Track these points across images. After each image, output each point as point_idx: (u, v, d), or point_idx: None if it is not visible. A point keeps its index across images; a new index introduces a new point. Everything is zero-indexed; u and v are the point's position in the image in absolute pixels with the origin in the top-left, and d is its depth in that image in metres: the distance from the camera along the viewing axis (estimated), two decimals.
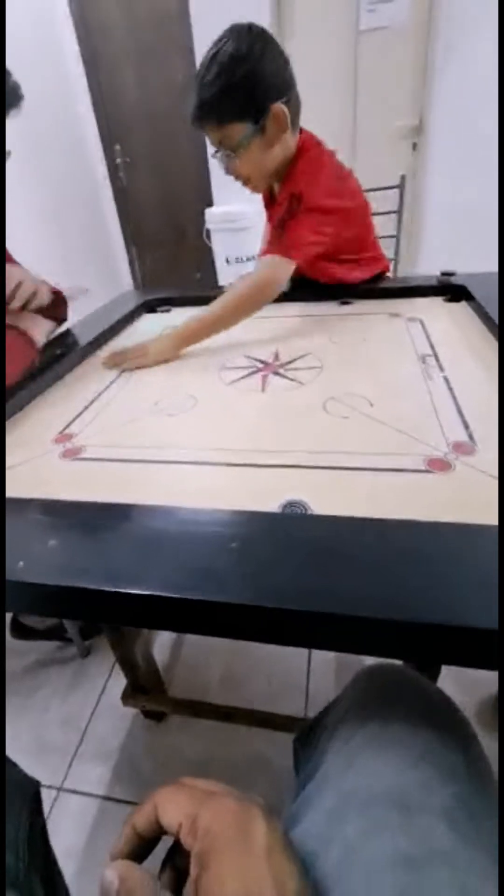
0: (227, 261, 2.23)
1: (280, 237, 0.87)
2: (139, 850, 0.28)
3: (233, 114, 0.76)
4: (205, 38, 2.00)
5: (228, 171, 0.86)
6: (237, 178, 0.87)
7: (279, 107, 0.75)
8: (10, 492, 0.48)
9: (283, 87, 0.77)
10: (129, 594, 0.35)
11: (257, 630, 0.35)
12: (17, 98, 0.70)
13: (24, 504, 0.45)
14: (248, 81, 0.73)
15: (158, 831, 0.28)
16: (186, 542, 0.38)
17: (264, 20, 1.96)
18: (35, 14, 2.11)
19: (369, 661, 0.44)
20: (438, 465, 0.49)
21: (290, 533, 0.38)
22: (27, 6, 2.05)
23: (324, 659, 1.04)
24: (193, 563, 0.36)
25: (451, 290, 0.91)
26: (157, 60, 2.34)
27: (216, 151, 0.83)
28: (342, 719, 0.41)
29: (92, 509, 0.44)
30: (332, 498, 0.45)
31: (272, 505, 0.44)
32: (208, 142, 0.83)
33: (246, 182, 0.88)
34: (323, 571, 0.34)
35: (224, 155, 0.81)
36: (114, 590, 0.35)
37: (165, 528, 0.40)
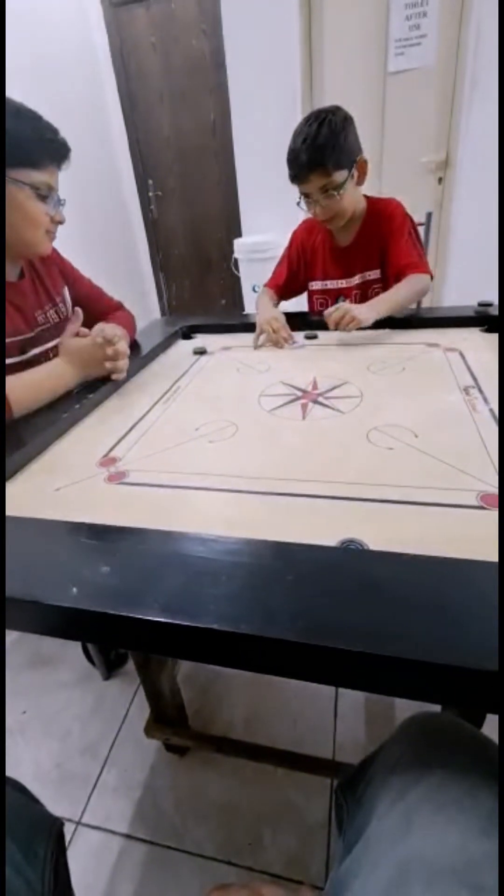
0: (254, 288, 2.28)
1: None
2: None
3: (338, 162, 0.96)
4: (240, 80, 2.14)
5: (324, 212, 1.02)
6: (326, 218, 1.04)
7: (363, 157, 1.01)
8: (59, 514, 0.48)
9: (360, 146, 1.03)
10: (186, 626, 0.34)
11: (320, 671, 0.33)
12: (66, 151, 0.77)
13: (76, 528, 0.45)
14: (348, 139, 0.96)
15: None
16: (240, 574, 0.38)
17: (296, 64, 2.06)
18: (83, 62, 2.31)
19: (400, 706, 0.41)
20: (492, 500, 0.48)
21: (347, 569, 0.37)
22: (74, 57, 2.23)
23: (352, 702, 1.00)
24: (249, 596, 0.35)
25: (488, 320, 0.91)
26: (190, 101, 2.49)
27: (304, 198, 1.02)
28: (393, 770, 0.38)
29: (143, 536, 0.43)
30: (385, 533, 0.44)
31: (322, 538, 0.43)
32: (301, 190, 1.02)
33: (332, 219, 1.04)
34: (381, 611, 0.33)
35: (326, 196, 0.99)
36: (170, 621, 0.34)
37: (220, 559, 0.39)
